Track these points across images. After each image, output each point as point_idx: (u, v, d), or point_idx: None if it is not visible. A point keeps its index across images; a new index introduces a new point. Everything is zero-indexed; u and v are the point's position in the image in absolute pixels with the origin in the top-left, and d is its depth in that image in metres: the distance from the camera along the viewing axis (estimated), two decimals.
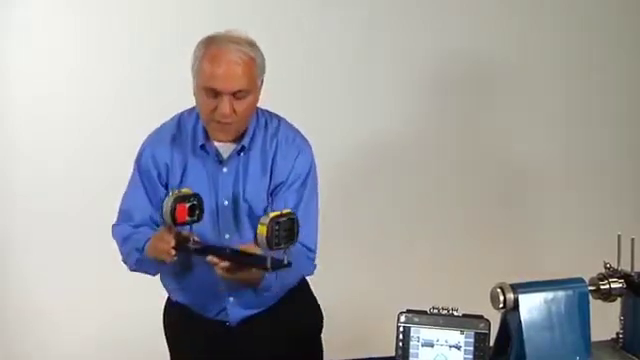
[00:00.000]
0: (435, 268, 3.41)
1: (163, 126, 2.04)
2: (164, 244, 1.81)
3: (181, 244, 1.80)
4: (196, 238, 1.83)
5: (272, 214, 1.64)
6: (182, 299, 2.07)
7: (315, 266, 2.04)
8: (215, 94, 1.84)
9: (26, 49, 3.06)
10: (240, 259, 1.74)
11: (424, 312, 1.62)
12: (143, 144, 2.03)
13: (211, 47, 1.85)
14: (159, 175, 1.98)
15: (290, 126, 2.03)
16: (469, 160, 3.58)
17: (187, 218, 1.78)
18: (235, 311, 2.01)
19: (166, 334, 2.15)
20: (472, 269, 3.27)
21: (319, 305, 2.19)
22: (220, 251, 1.78)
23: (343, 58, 3.34)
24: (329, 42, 3.31)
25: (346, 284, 3.16)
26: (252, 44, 1.89)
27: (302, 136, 2.02)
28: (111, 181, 2.12)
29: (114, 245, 2.03)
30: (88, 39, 3.12)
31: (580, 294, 1.70)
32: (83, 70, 3.12)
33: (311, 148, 2.02)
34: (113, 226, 2.05)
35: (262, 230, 1.62)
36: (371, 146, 3.38)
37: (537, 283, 1.70)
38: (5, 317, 3.16)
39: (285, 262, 1.68)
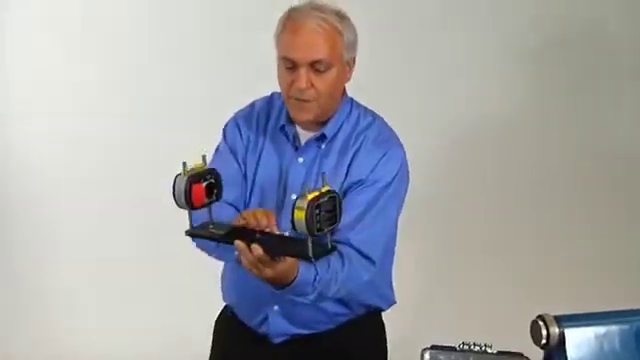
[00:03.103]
0: (465, 296, 3.23)
1: (254, 103, 1.94)
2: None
3: (199, 229, 1.61)
4: (214, 222, 1.63)
5: (310, 195, 1.45)
6: (230, 298, 1.98)
7: (391, 301, 1.92)
8: (293, 66, 1.74)
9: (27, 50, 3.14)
10: (274, 246, 1.53)
11: (452, 348, 1.45)
12: (231, 118, 1.97)
13: (292, 16, 1.77)
14: (239, 149, 1.88)
15: (385, 125, 1.87)
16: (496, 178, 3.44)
17: (205, 200, 1.59)
18: (277, 323, 1.84)
19: (212, 341, 2.07)
20: (509, 297, 3.09)
21: (387, 354, 1.98)
22: (248, 236, 1.54)
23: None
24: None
25: None
26: (341, 16, 1.76)
27: (397, 138, 1.86)
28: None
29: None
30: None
31: (638, 328, 1.49)
32: (85, 69, 3.20)
33: (404, 153, 1.84)
34: None
35: (300, 215, 1.44)
36: None
37: (587, 315, 1.50)
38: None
39: (329, 246, 1.51)
